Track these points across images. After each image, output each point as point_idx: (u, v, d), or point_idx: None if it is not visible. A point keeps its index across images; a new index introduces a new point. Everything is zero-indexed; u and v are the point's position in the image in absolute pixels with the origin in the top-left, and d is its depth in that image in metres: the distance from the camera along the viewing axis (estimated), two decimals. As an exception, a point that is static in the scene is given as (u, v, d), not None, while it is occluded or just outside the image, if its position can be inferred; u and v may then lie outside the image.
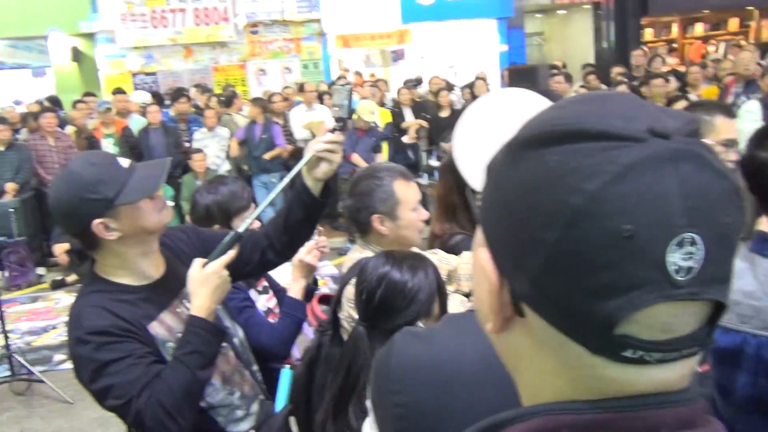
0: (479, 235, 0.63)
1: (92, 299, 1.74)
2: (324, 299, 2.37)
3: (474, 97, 9.62)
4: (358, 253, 2.27)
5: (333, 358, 1.91)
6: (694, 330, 0.55)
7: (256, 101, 9.18)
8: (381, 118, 9.01)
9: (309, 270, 2.46)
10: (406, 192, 2.25)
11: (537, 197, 0.54)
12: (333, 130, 1.85)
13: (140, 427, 1.64)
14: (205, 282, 1.74)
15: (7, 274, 7.85)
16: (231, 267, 1.81)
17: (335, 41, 13.49)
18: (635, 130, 0.53)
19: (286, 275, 2.70)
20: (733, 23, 15.47)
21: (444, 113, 9.40)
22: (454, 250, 2.57)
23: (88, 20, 12.83)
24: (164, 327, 1.79)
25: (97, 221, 1.69)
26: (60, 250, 7.61)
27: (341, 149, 1.88)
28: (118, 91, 9.64)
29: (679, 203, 0.52)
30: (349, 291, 2.06)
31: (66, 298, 7.40)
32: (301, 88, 9.28)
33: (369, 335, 1.84)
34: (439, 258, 2.42)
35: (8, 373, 5.19)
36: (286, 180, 1.91)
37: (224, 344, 1.89)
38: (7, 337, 5.16)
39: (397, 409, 0.96)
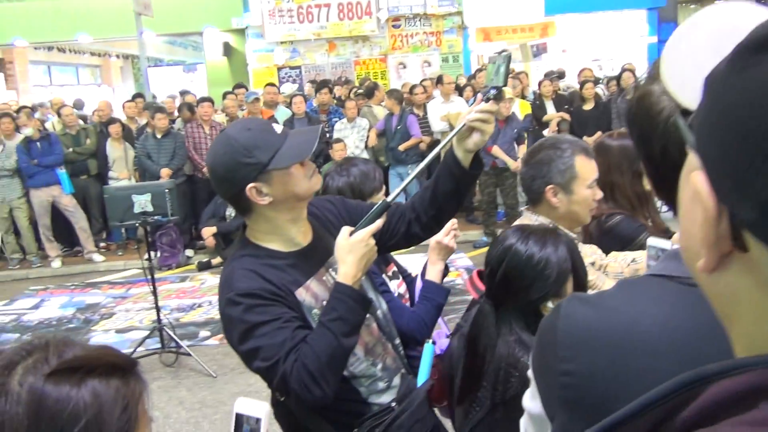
0: (691, 160, 0.55)
1: (243, 262, 1.76)
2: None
3: (620, 89, 9.21)
4: (521, 221, 2.21)
5: None
6: None
7: (392, 93, 9.24)
8: (521, 109, 8.82)
9: (447, 252, 2.38)
10: (586, 167, 2.20)
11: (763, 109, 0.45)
12: (487, 99, 1.78)
13: (285, 390, 1.64)
14: (352, 250, 1.72)
15: (159, 254, 8.36)
16: (376, 239, 1.79)
17: (476, 35, 13.36)
18: None
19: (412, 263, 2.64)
20: None
21: (587, 106, 9.06)
22: (613, 230, 2.44)
23: (240, 16, 13.42)
24: (310, 294, 1.79)
25: (250, 185, 1.71)
26: (207, 233, 8.01)
27: (494, 119, 1.81)
28: (269, 85, 10.01)
29: None
30: None
31: (211, 279, 7.78)
32: (439, 80, 9.22)
33: (495, 314, 1.78)
34: (593, 251, 2.31)
35: (158, 345, 5.51)
36: (438, 148, 1.90)
37: (368, 315, 1.87)
38: (159, 312, 5.47)
39: (566, 378, 0.88)
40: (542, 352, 0.96)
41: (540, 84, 9.71)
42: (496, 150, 7.72)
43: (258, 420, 1.10)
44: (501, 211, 8.60)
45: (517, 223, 2.25)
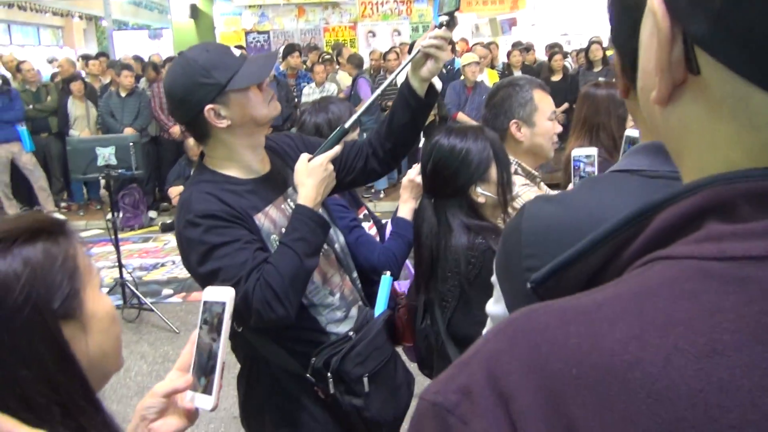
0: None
1: (201, 187, 1.75)
2: None
3: (589, 61, 9.28)
4: None
5: None
6: None
7: (350, 58, 9.20)
8: (489, 78, 8.84)
9: (419, 190, 2.41)
10: (544, 101, 2.31)
11: None
12: (441, 26, 1.80)
13: (246, 310, 1.63)
14: (312, 173, 1.74)
15: (121, 215, 8.26)
16: (335, 173, 1.81)
17: (446, 5, 13.30)
18: None
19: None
20: None
21: (556, 77, 9.12)
22: None
23: (208, -22, 13.19)
24: (269, 220, 1.80)
25: (209, 107, 1.70)
26: (174, 191, 7.90)
27: (448, 46, 1.83)
28: (238, 47, 9.86)
29: None
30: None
31: (174, 241, 7.70)
32: (411, 48, 9.15)
33: (434, 205, 1.97)
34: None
35: (120, 301, 5.47)
36: (393, 76, 1.94)
37: (326, 246, 1.88)
38: (121, 269, 5.42)
39: (532, 274, 0.89)
40: (506, 253, 0.95)
41: (509, 54, 9.74)
42: (461, 116, 7.75)
43: (223, 304, 1.12)
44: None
45: None
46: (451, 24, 1.80)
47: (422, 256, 1.95)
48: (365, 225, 2.57)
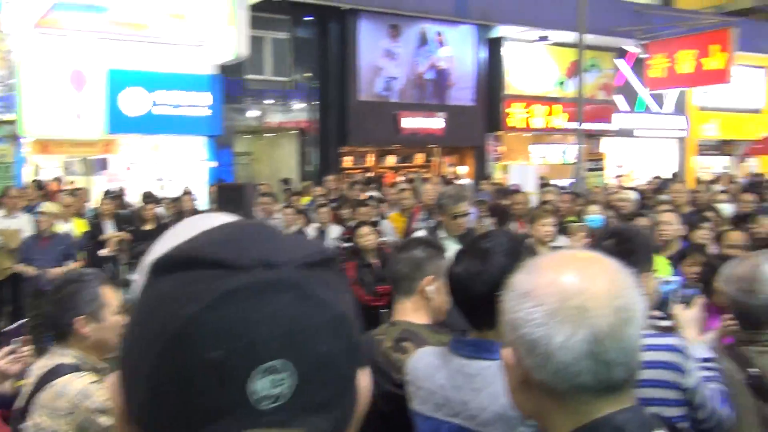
0: None
1: None
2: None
3: (180, 211, 9.55)
4: (53, 360, 2.23)
5: None
6: None
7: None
8: (77, 227, 8.51)
9: (2, 377, 2.33)
10: (111, 296, 2.34)
11: (146, 323, 0.54)
12: None
13: None
14: None
15: None
16: None
17: (32, 146, 12.58)
18: (243, 260, 0.54)
19: None
20: (420, 158, 17.62)
21: (148, 226, 9.17)
22: None
23: None
24: None
25: None
26: None
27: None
28: None
29: (268, 331, 0.52)
30: (43, 398, 2.07)
31: None
32: (4, 193, 8.31)
33: None
34: None
35: None
36: None
37: None
38: None
39: None
40: None
41: (100, 202, 9.54)
42: (23, 268, 7.36)
43: None
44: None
45: (45, 360, 2.28)
46: None
47: None
48: None
